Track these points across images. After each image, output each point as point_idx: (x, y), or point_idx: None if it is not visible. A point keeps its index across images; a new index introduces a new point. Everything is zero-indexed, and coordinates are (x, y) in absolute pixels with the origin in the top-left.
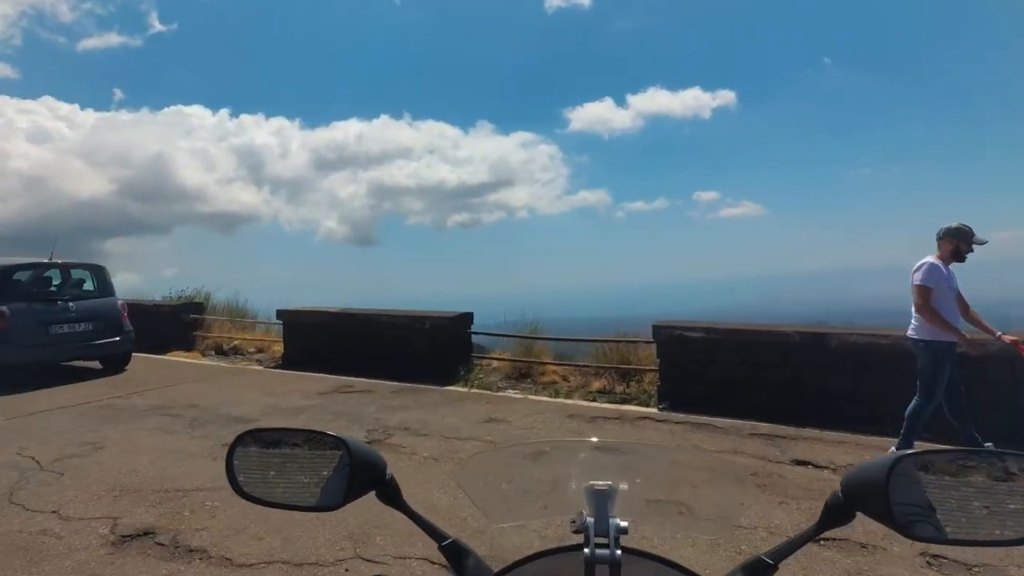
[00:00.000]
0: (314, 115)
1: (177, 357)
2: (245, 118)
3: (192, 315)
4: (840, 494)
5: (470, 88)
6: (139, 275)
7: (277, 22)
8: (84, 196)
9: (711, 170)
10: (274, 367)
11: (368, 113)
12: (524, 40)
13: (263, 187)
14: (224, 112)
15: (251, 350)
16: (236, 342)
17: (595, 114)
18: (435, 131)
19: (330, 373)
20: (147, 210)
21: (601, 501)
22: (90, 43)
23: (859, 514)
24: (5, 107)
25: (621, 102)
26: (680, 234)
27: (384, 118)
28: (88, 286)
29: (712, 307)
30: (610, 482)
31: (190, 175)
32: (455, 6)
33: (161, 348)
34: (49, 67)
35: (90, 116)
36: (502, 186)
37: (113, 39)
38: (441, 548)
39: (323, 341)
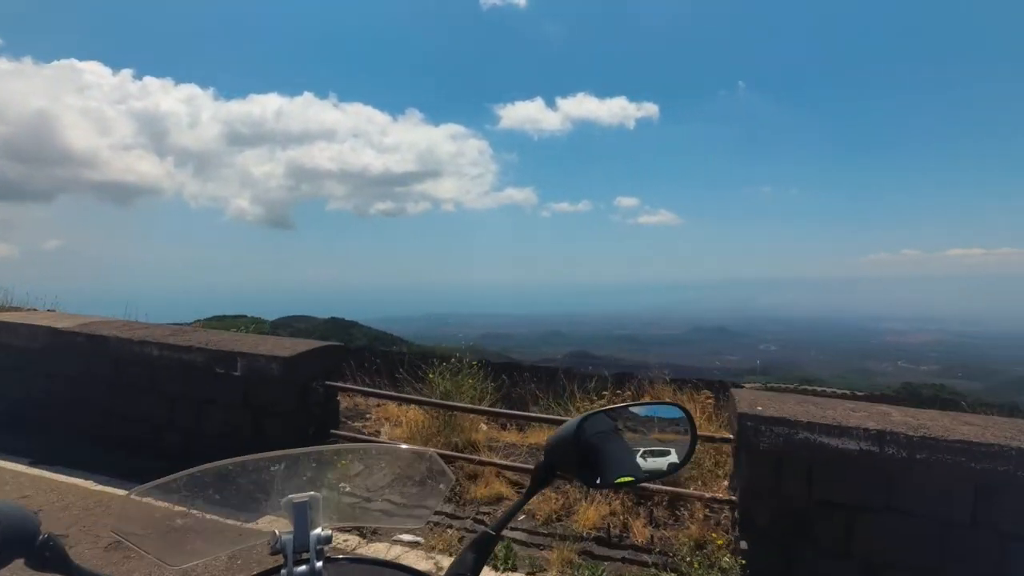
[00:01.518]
0: (230, 86)
1: None
2: (150, 81)
3: None
4: (543, 458)
5: (402, 74)
6: (16, 246)
7: None
8: None
9: (633, 177)
10: None
11: (290, 89)
12: (459, 32)
13: (166, 158)
14: (127, 72)
15: None
16: None
17: (525, 113)
18: (362, 115)
19: (26, 462)
20: (26, 173)
21: (301, 514)
22: None
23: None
24: None
25: (551, 104)
26: (601, 237)
27: (308, 96)
28: None
29: (624, 309)
30: (312, 492)
31: (79, 137)
32: None
33: None
34: None
35: None
36: (429, 177)
37: None
38: None
39: (52, 384)
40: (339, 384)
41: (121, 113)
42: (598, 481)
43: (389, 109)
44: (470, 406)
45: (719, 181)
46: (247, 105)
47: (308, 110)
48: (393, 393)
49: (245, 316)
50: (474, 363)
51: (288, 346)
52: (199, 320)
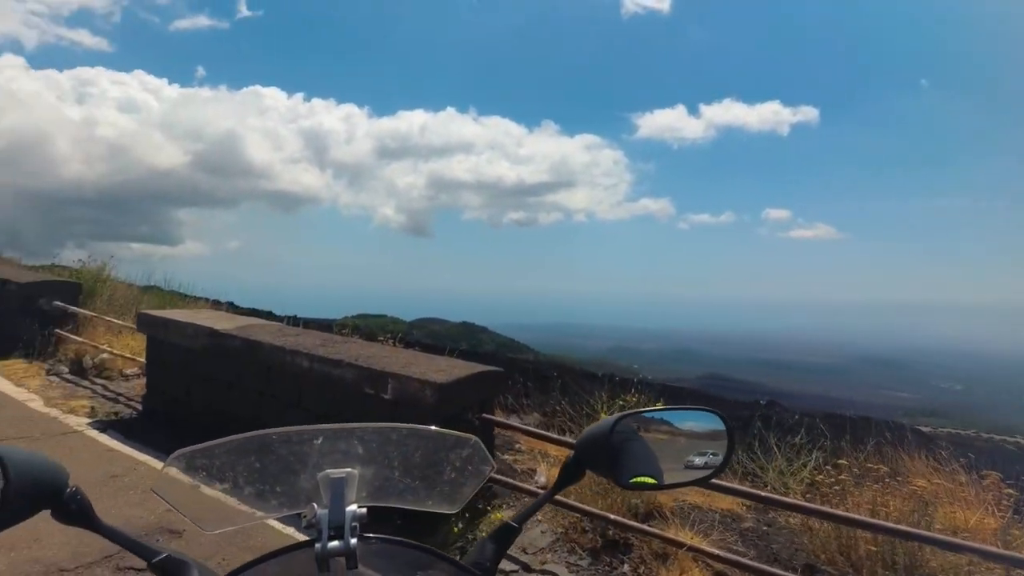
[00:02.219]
0: (383, 103)
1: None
2: (317, 102)
3: (58, 302)
4: (573, 454)
5: (539, 87)
6: (207, 245)
7: (358, 12)
8: (161, 166)
9: (784, 188)
10: (115, 427)
11: (435, 105)
12: (597, 42)
13: (326, 170)
14: (299, 96)
15: (130, 371)
16: (104, 355)
17: (665, 121)
18: (499, 127)
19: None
20: (216, 183)
21: (337, 490)
22: (182, 24)
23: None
24: (98, 78)
25: (693, 111)
26: (745, 251)
27: (450, 111)
28: None
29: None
30: (348, 469)
31: (258, 153)
32: (529, 5)
33: (0, 350)
34: (143, 43)
35: (174, 91)
36: (562, 187)
37: (202, 21)
38: (152, 566)
39: (203, 389)
40: (499, 420)
41: (291, 131)
42: (628, 481)
43: (525, 121)
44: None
45: (888, 192)
46: (396, 121)
47: (450, 124)
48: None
49: (385, 316)
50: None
51: (444, 368)
52: (347, 316)
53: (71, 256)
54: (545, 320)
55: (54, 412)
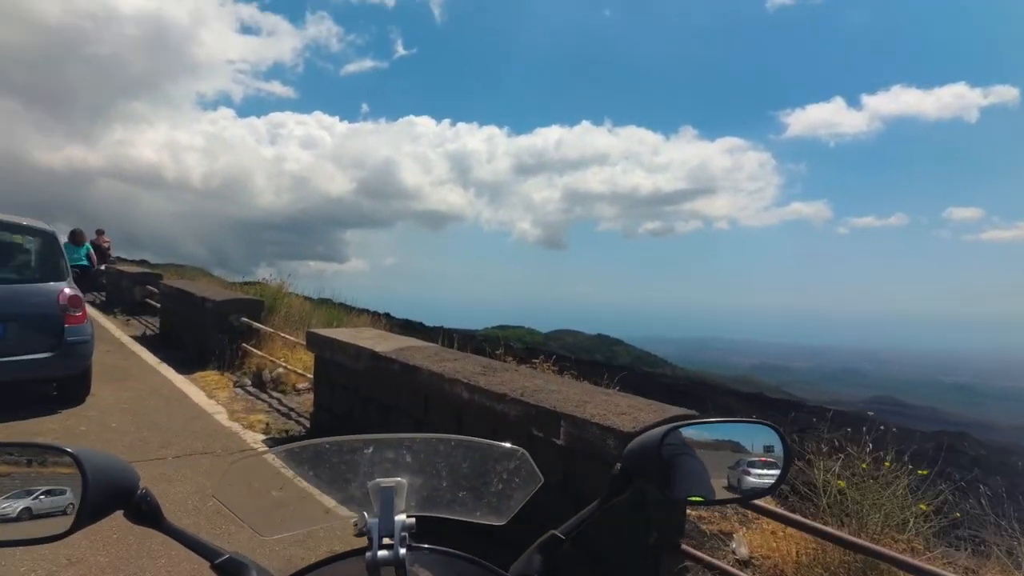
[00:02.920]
0: (521, 122)
1: (196, 384)
2: (461, 126)
3: (245, 318)
4: (620, 465)
5: (676, 93)
6: (367, 262)
7: (498, 38)
8: (332, 193)
9: (973, 183)
10: (283, 443)
11: (570, 119)
12: (739, 40)
13: (469, 189)
14: (446, 122)
15: (301, 385)
16: (280, 369)
17: (819, 117)
18: (634, 137)
19: None
20: (376, 206)
21: (387, 499)
22: (351, 67)
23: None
24: (287, 120)
25: (854, 102)
26: (922, 257)
27: (585, 124)
28: (20, 261)
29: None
30: (398, 478)
31: (411, 176)
32: (667, 12)
33: (199, 361)
34: (320, 87)
35: (343, 127)
36: (701, 194)
37: (367, 63)
38: (215, 567)
39: (365, 410)
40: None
41: (439, 155)
42: (677, 495)
43: (662, 128)
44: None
45: None
46: (532, 138)
47: (584, 138)
48: (800, 520)
49: (522, 327)
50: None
51: (626, 411)
52: (487, 327)
53: (264, 273)
54: (684, 334)
55: (235, 427)
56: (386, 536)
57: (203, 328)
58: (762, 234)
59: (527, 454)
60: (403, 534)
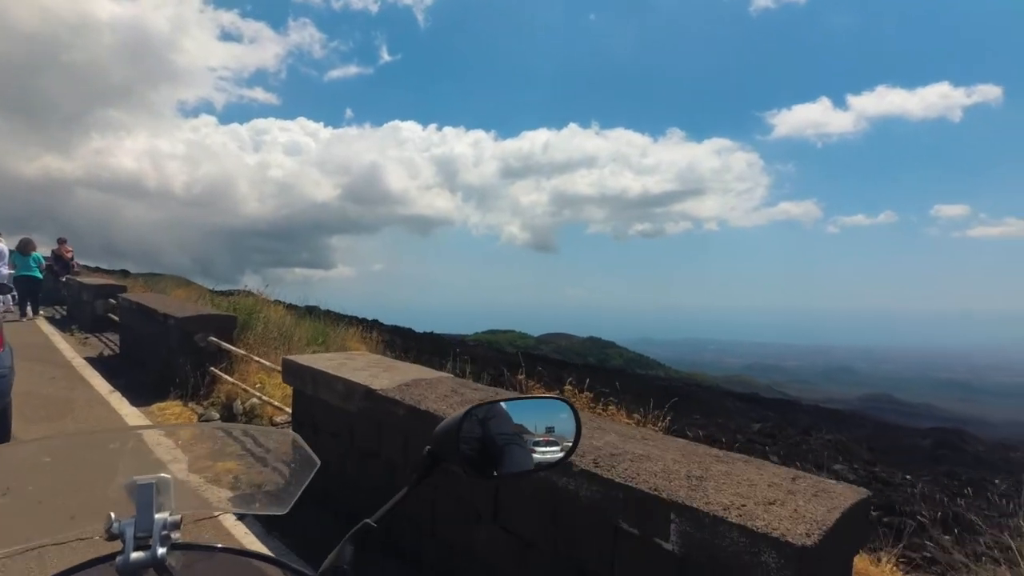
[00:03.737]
0: (507, 126)
1: (153, 419)
2: (448, 130)
3: (213, 337)
4: (428, 448)
5: (663, 95)
6: (354, 268)
7: (483, 42)
8: (318, 199)
9: (960, 180)
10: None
11: (557, 123)
12: (725, 43)
13: (456, 193)
14: (432, 126)
15: (280, 419)
16: (255, 399)
17: (806, 118)
18: (622, 139)
19: None
20: (362, 211)
21: (145, 497)
22: (335, 73)
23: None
24: (270, 126)
25: (840, 103)
26: (911, 255)
27: (572, 127)
28: None
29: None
30: (160, 473)
31: (397, 181)
32: (651, 15)
33: (159, 389)
34: (303, 94)
35: (328, 132)
36: (690, 196)
37: (351, 69)
38: None
39: (363, 467)
40: None
41: (425, 159)
42: (495, 473)
43: (649, 130)
44: None
45: None
46: (519, 142)
47: (572, 140)
48: None
49: (513, 331)
50: None
51: (775, 494)
52: (478, 332)
53: (249, 282)
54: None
55: (196, 480)
56: (146, 537)
57: (165, 349)
58: (752, 235)
59: (299, 437)
60: (164, 533)
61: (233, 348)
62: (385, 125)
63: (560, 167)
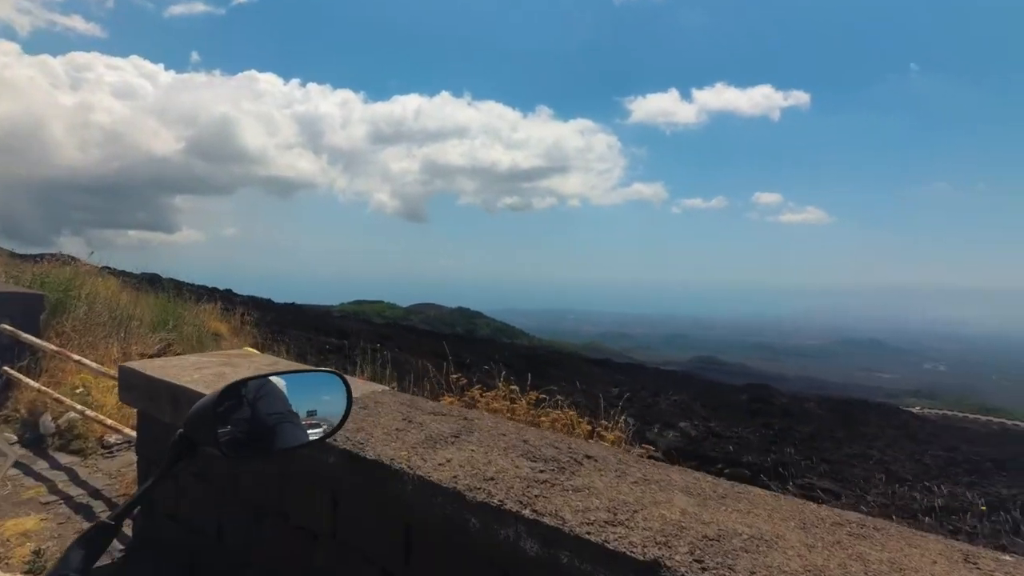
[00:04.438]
0: (378, 88)
1: None
2: (312, 87)
3: (7, 326)
4: (180, 432)
5: (533, 72)
6: (203, 232)
7: None
8: (157, 152)
9: (775, 172)
10: None
11: (429, 89)
12: (591, 28)
13: (321, 156)
14: (295, 81)
15: (114, 438)
16: (73, 414)
17: (658, 106)
18: (494, 112)
19: None
20: (211, 170)
21: None
22: (177, 9)
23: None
24: (94, 62)
25: (686, 95)
26: (736, 236)
27: (445, 95)
28: None
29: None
30: None
31: (253, 138)
32: None
33: None
34: (137, 29)
35: (169, 77)
36: (555, 172)
37: (197, 7)
38: None
39: (259, 531)
40: None
41: (286, 116)
42: (241, 451)
43: (520, 106)
44: None
45: (879, 176)
46: (390, 106)
47: (444, 109)
48: None
49: (382, 301)
50: None
51: None
52: (344, 303)
53: (68, 245)
54: (540, 306)
55: None
56: None
57: None
58: (609, 212)
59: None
60: None
61: (37, 341)
62: (239, 75)
63: (432, 135)
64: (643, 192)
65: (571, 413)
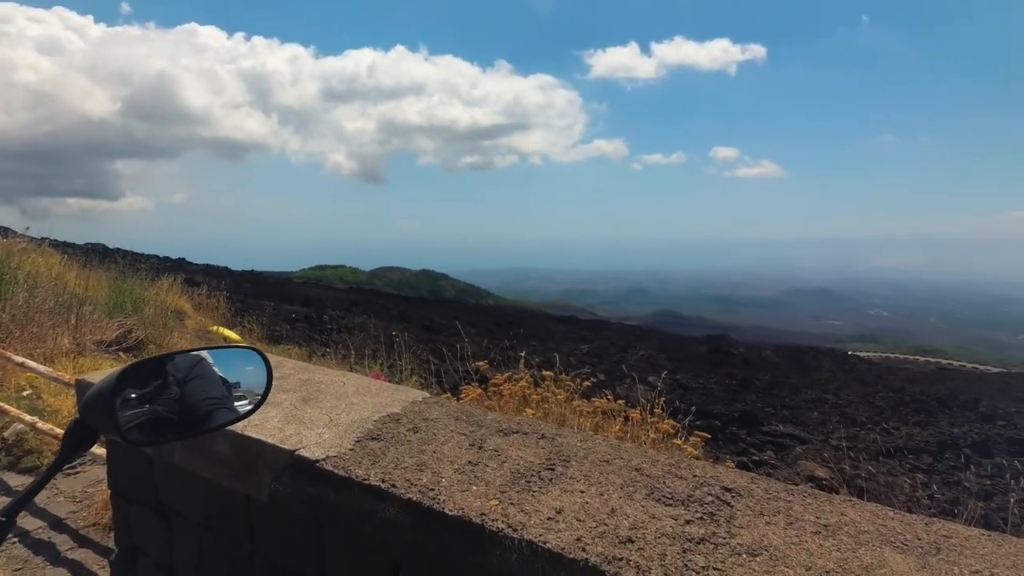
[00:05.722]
0: (329, 42)
1: None
2: (258, 42)
3: None
4: (77, 418)
5: (492, 25)
6: (150, 199)
7: None
8: (92, 114)
9: (732, 126)
10: None
11: (383, 43)
12: None
13: (271, 115)
14: (239, 35)
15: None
16: (20, 426)
17: (617, 61)
18: (452, 67)
19: None
20: (152, 131)
21: None
22: None
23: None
24: (13, 14)
25: (645, 49)
26: (695, 190)
27: (400, 49)
28: None
29: (717, 267)
30: None
31: (196, 97)
32: None
33: None
34: None
35: (99, 30)
36: (516, 130)
37: None
38: None
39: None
40: None
41: (231, 73)
42: (145, 436)
43: (479, 61)
44: None
45: (832, 130)
46: (342, 61)
47: (399, 64)
48: None
49: (344, 266)
50: None
51: None
52: (304, 268)
53: (0, 214)
54: (504, 265)
55: None
56: None
57: None
58: (571, 169)
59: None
60: None
61: None
62: (177, 28)
63: (388, 93)
64: (604, 149)
65: (616, 402)
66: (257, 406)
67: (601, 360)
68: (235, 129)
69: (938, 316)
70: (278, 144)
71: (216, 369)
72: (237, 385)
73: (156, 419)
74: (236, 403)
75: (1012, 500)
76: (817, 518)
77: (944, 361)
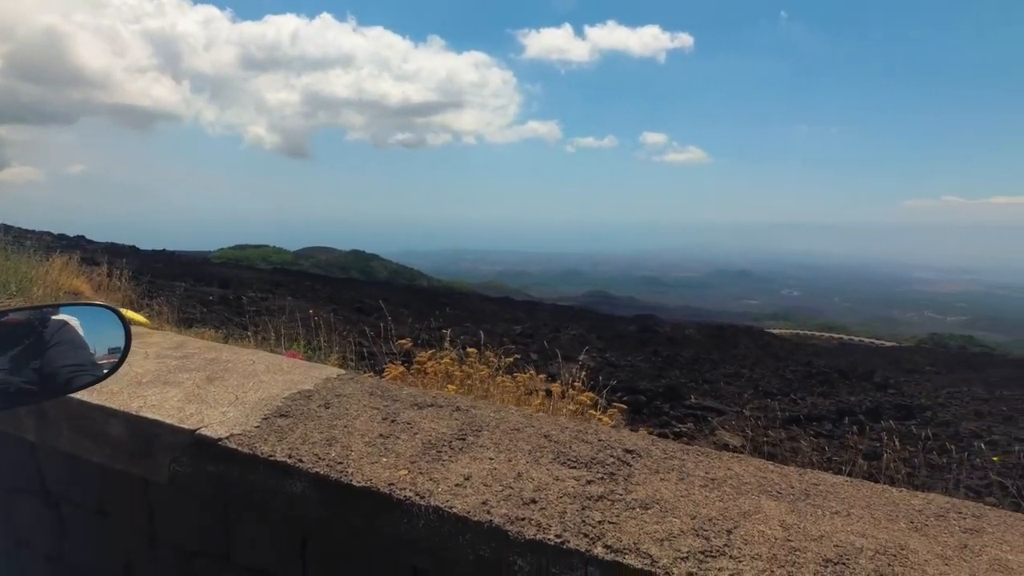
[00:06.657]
0: (246, 6)
1: None
2: (167, 0)
3: None
4: None
5: None
6: (40, 169)
7: None
8: None
9: (661, 112)
10: None
11: (307, 9)
12: None
13: (182, 82)
14: None
15: None
16: None
17: (552, 42)
18: (382, 40)
19: None
20: (41, 94)
21: None
22: None
23: None
24: None
25: (579, 32)
26: (626, 174)
27: (325, 17)
28: None
29: (647, 250)
30: None
31: (93, 58)
32: None
33: None
34: None
35: None
36: (450, 108)
37: None
38: None
39: (195, 568)
40: None
41: (135, 33)
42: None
43: (410, 34)
44: None
45: (754, 118)
46: (263, 27)
47: (325, 33)
48: None
49: (267, 246)
50: None
51: None
52: (223, 248)
53: None
54: (438, 246)
55: None
56: None
57: None
58: (505, 150)
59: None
60: None
61: None
62: None
63: (313, 63)
64: (538, 130)
65: (539, 377)
66: (114, 369)
67: (534, 340)
68: (141, 95)
69: (842, 296)
70: (191, 114)
71: (74, 331)
72: (94, 346)
73: (10, 387)
74: (104, 361)
75: (885, 457)
76: (706, 473)
77: (846, 337)
